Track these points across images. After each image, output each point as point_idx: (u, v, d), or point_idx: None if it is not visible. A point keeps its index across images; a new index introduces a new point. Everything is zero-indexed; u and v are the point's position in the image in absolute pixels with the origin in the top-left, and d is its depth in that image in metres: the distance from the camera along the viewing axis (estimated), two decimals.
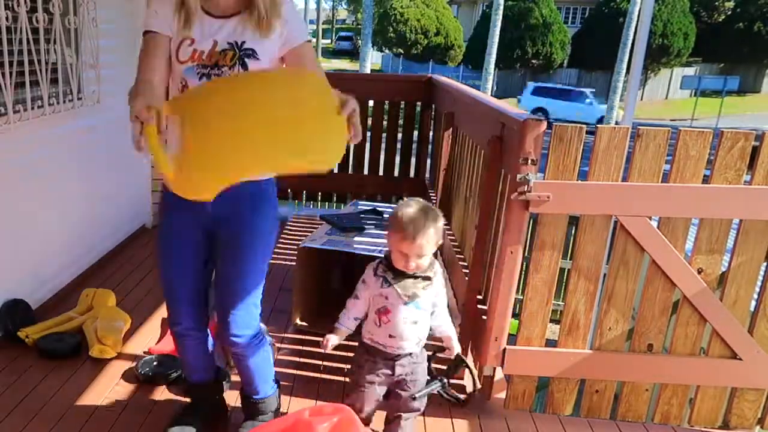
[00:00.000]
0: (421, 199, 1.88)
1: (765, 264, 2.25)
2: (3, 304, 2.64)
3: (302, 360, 2.64)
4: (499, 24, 18.69)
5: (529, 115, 2.13)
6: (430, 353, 2.00)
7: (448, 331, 1.98)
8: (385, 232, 2.94)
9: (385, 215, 3.20)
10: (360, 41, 23.93)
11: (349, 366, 2.49)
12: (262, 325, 1.97)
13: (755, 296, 2.26)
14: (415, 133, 4.67)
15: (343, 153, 1.52)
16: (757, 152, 2.10)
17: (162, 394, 2.34)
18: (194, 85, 1.70)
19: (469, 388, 2.32)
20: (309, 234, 3.00)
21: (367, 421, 1.99)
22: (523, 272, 2.40)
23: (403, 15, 30.14)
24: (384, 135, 4.66)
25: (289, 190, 4.77)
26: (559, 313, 2.31)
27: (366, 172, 4.76)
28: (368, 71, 18.67)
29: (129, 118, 1.40)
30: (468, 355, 2.57)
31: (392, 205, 3.79)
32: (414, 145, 4.69)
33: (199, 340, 2.00)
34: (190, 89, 1.69)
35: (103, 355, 2.53)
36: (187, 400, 2.19)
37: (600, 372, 2.32)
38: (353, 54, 38.97)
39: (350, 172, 4.72)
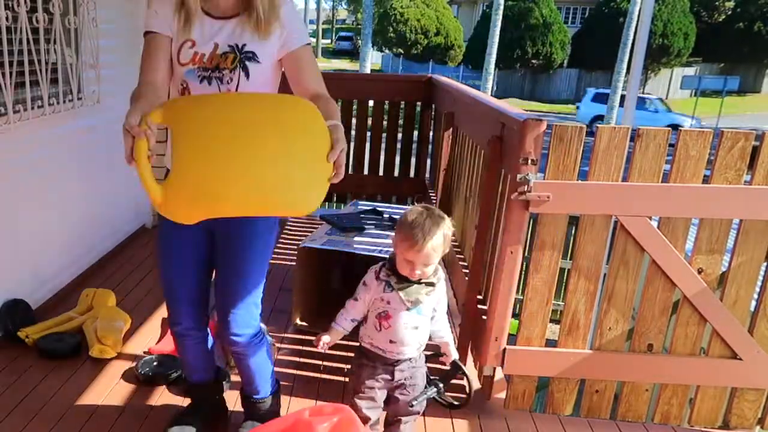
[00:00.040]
0: (431, 206, 1.80)
1: (765, 264, 2.25)
2: (3, 304, 2.64)
3: (302, 360, 2.64)
4: (499, 24, 18.70)
5: (529, 115, 2.13)
6: (427, 353, 1.98)
7: (446, 337, 1.94)
8: (386, 233, 2.96)
9: (385, 215, 3.20)
10: (360, 41, 23.94)
11: (349, 366, 2.50)
12: (262, 325, 1.97)
13: (755, 296, 2.26)
14: (415, 133, 4.67)
15: (323, 197, 1.47)
16: (757, 152, 2.10)
17: (162, 394, 2.34)
18: (195, 87, 1.70)
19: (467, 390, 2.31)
20: (309, 234, 3.00)
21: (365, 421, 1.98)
22: (523, 272, 2.40)
23: (403, 15, 30.13)
24: (384, 135, 4.66)
25: None
26: (559, 313, 2.31)
27: (366, 172, 4.76)
28: (368, 71, 18.67)
29: (122, 128, 1.37)
30: (468, 354, 2.57)
31: (392, 205, 3.79)
32: (414, 145, 4.69)
33: (199, 340, 2.00)
34: (187, 99, 1.66)
35: (103, 355, 2.53)
36: (188, 400, 2.19)
37: (600, 372, 2.32)
38: (353, 54, 38.98)
39: (350, 172, 4.72)
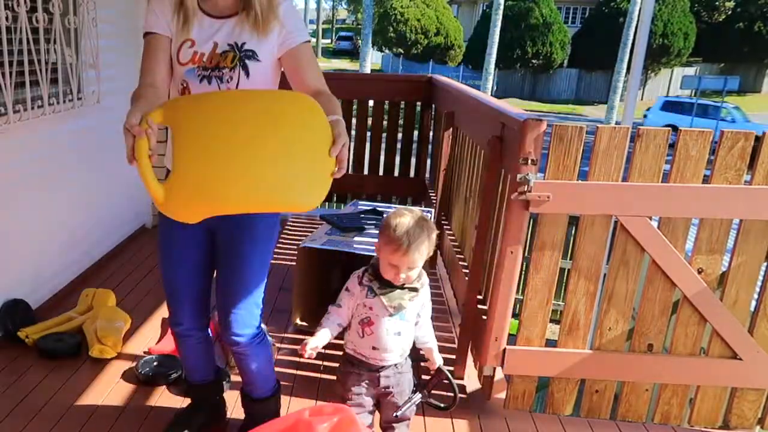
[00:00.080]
0: (416, 209, 1.78)
1: (765, 264, 2.25)
2: (3, 304, 2.64)
3: (302, 360, 2.63)
4: (499, 24, 18.70)
5: (529, 115, 2.13)
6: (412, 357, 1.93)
7: (430, 343, 1.90)
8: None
9: (385, 215, 3.19)
10: (360, 41, 23.94)
11: None
12: (263, 326, 1.97)
13: (755, 296, 2.26)
14: (415, 133, 4.67)
15: (326, 193, 1.47)
16: (757, 152, 2.10)
17: (162, 394, 2.34)
18: (195, 86, 1.70)
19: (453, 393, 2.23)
20: (309, 234, 3.00)
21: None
22: (523, 272, 2.40)
23: (403, 15, 30.13)
24: (384, 135, 4.66)
25: None
26: (559, 313, 2.31)
27: (366, 172, 4.76)
28: (368, 71, 18.68)
29: (123, 127, 1.37)
30: (468, 354, 2.57)
31: (392, 205, 3.79)
32: (414, 145, 4.69)
33: (200, 340, 2.00)
34: (187, 98, 1.66)
35: (103, 355, 2.53)
36: (187, 400, 2.19)
37: (600, 372, 2.32)
38: (353, 54, 38.98)
39: (350, 172, 4.72)
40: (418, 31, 30.06)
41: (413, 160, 4.69)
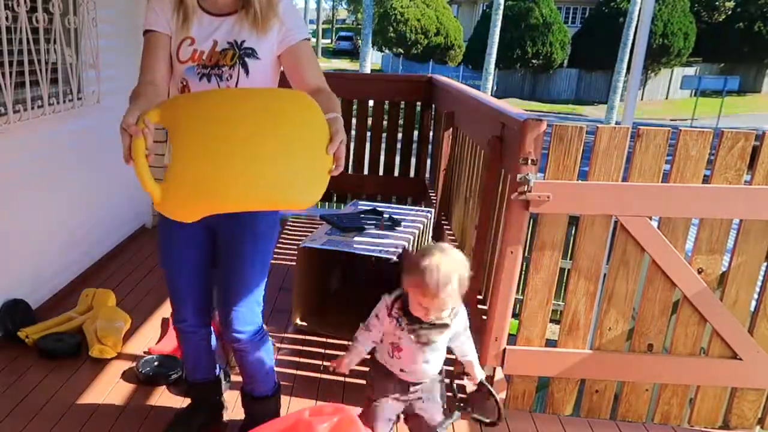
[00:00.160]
0: (447, 246, 1.66)
1: (765, 264, 2.25)
2: (3, 304, 2.64)
3: (302, 360, 2.64)
4: (499, 24, 18.69)
5: (529, 115, 2.13)
6: (450, 369, 1.89)
7: (470, 355, 1.82)
8: (386, 233, 2.97)
9: (385, 215, 3.20)
10: (360, 41, 23.93)
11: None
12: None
13: (755, 296, 2.26)
14: (415, 133, 4.67)
15: (323, 190, 1.44)
16: (757, 152, 2.10)
17: (162, 394, 2.34)
18: (195, 84, 1.70)
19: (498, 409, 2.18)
20: (309, 234, 3.00)
21: None
22: (523, 272, 2.40)
23: (403, 15, 30.12)
24: (384, 135, 4.66)
25: None
26: (559, 313, 2.31)
27: (366, 172, 4.76)
28: (368, 71, 18.67)
29: (119, 126, 1.37)
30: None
31: (392, 205, 3.79)
32: (414, 145, 4.69)
33: (202, 337, 2.01)
34: (185, 97, 1.65)
35: (103, 355, 2.53)
36: (188, 400, 2.19)
37: (600, 372, 2.32)
38: (353, 54, 38.97)
39: (350, 172, 4.72)
40: (418, 31, 30.05)
41: (413, 160, 4.69)
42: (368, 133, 4.70)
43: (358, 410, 1.85)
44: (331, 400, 2.25)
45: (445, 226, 3.62)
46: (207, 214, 1.47)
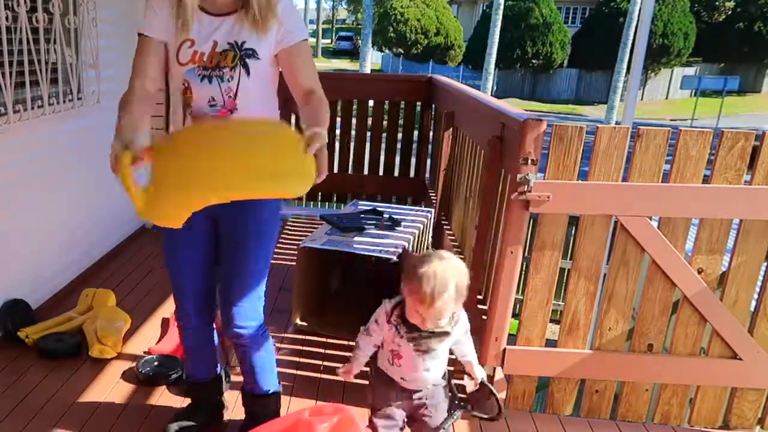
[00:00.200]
0: (446, 253, 1.64)
1: (765, 264, 2.25)
2: (3, 304, 2.64)
3: (302, 360, 2.64)
4: (499, 24, 18.69)
5: (529, 115, 2.13)
6: (450, 369, 1.86)
7: (470, 356, 1.81)
8: (386, 233, 2.97)
9: (385, 215, 3.20)
10: (360, 41, 23.93)
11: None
12: None
13: (755, 296, 2.26)
14: (415, 133, 4.67)
15: (304, 184, 1.53)
16: (757, 152, 2.10)
17: (162, 394, 2.34)
18: (196, 85, 1.70)
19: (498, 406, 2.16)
20: (309, 234, 3.00)
21: None
22: (523, 272, 2.40)
23: (403, 15, 30.12)
24: (384, 135, 4.66)
25: None
26: (559, 313, 2.31)
27: (366, 172, 4.76)
28: (368, 71, 18.67)
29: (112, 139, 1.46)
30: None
31: (392, 205, 3.79)
32: (414, 145, 4.69)
33: (205, 334, 2.01)
34: (165, 142, 1.69)
35: (103, 355, 2.53)
36: (188, 400, 2.19)
37: (600, 372, 2.32)
38: (353, 54, 38.96)
39: (350, 172, 4.72)
40: (418, 31, 30.05)
41: (413, 160, 4.69)
42: (368, 133, 4.70)
43: (358, 410, 1.85)
44: (331, 400, 2.25)
45: (445, 226, 3.62)
46: (187, 215, 1.54)
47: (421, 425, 1.82)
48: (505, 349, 2.28)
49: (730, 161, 2.10)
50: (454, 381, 1.90)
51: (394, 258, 2.63)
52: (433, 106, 4.52)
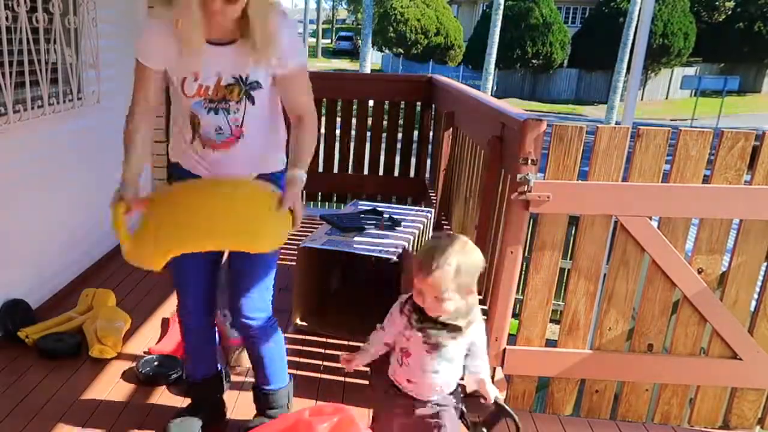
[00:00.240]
0: (463, 237, 1.58)
1: (765, 264, 2.25)
2: (3, 304, 2.64)
3: (302, 360, 2.63)
4: (499, 24, 18.69)
5: (529, 115, 2.13)
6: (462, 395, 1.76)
7: (482, 374, 1.68)
8: (386, 233, 2.97)
9: (385, 215, 3.20)
10: (360, 41, 23.93)
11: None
12: None
13: (755, 296, 2.26)
14: (415, 133, 4.67)
15: (279, 238, 1.70)
16: (757, 152, 2.10)
17: (162, 394, 2.34)
18: (204, 117, 1.73)
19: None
20: (309, 234, 3.00)
21: None
22: (523, 272, 2.40)
23: (403, 15, 30.12)
24: (384, 135, 4.66)
25: None
26: (559, 313, 2.31)
27: (366, 172, 4.76)
28: (368, 71, 18.68)
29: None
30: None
31: (392, 205, 3.79)
32: (414, 145, 4.69)
33: (206, 331, 2.02)
34: (158, 199, 1.78)
35: (103, 355, 2.53)
36: (187, 400, 2.19)
37: (600, 372, 2.32)
38: (353, 54, 38.96)
39: (350, 172, 4.72)
40: (418, 31, 30.05)
41: (413, 160, 4.70)
42: (368, 133, 4.70)
43: (358, 410, 1.85)
44: (331, 400, 2.25)
45: (445, 226, 3.62)
46: (164, 261, 1.70)
47: None
48: (505, 349, 2.29)
49: (730, 161, 2.10)
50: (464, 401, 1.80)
51: (394, 258, 2.63)
52: (433, 106, 4.52)
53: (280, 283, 3.35)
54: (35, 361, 2.51)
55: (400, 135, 4.66)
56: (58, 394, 2.30)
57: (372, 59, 20.84)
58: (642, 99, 25.49)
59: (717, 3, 28.25)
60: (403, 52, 30.92)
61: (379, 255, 2.66)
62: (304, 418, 1.64)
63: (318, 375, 2.52)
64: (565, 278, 2.86)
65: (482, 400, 1.71)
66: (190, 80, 1.69)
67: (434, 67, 27.14)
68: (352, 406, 1.98)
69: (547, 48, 26.83)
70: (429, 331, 1.58)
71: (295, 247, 2.83)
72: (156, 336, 2.78)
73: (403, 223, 3.10)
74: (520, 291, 2.47)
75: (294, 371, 2.53)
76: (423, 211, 3.45)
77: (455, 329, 1.58)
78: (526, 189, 2.08)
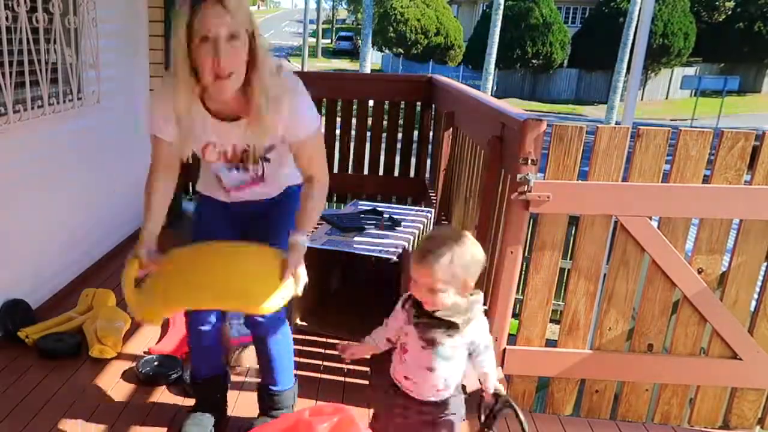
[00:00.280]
0: (464, 232, 1.57)
1: (765, 264, 2.25)
2: (3, 304, 2.64)
3: (302, 360, 2.63)
4: (499, 24, 18.69)
5: (529, 115, 2.13)
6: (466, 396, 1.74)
7: (487, 368, 1.65)
8: (386, 233, 2.96)
9: (385, 215, 3.20)
10: (360, 41, 23.94)
11: (348, 366, 2.50)
12: None
13: (755, 296, 2.26)
14: (415, 133, 4.67)
15: (277, 301, 1.75)
16: (757, 152, 2.10)
17: (162, 394, 2.34)
18: (226, 175, 1.83)
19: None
20: (309, 234, 3.00)
21: None
22: (523, 272, 2.40)
23: (403, 15, 30.13)
24: (384, 135, 4.66)
25: None
26: (559, 313, 2.31)
27: (366, 172, 4.76)
28: (368, 71, 18.68)
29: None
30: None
31: (392, 205, 3.79)
32: (414, 145, 4.69)
33: (213, 330, 2.02)
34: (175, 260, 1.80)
35: (103, 355, 2.53)
36: (187, 400, 2.19)
37: (600, 372, 2.32)
38: (353, 54, 38.95)
39: (350, 172, 4.72)
40: (418, 31, 30.06)
41: (413, 160, 4.69)
42: (368, 133, 4.70)
43: (358, 410, 1.85)
44: (331, 400, 2.25)
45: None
46: (167, 315, 1.81)
47: None
48: (505, 349, 2.29)
49: (730, 161, 2.10)
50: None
51: (394, 258, 2.63)
52: (433, 106, 4.52)
53: None
54: (35, 361, 2.51)
55: (400, 135, 4.66)
56: (58, 394, 2.30)
57: (372, 59, 20.85)
58: (642, 99, 25.49)
59: (717, 3, 28.25)
60: (403, 52, 30.93)
61: (379, 255, 2.66)
62: (304, 418, 1.64)
63: (318, 375, 2.52)
64: (565, 278, 2.86)
65: (482, 394, 1.71)
66: (210, 149, 1.77)
67: (434, 67, 27.15)
68: (352, 406, 1.98)
69: (547, 48, 26.83)
70: (424, 326, 1.57)
71: None
72: (156, 336, 2.78)
73: (403, 223, 3.10)
74: (520, 291, 2.47)
75: (294, 371, 2.54)
76: (423, 211, 3.45)
77: (451, 326, 1.55)
78: (526, 189, 2.09)
